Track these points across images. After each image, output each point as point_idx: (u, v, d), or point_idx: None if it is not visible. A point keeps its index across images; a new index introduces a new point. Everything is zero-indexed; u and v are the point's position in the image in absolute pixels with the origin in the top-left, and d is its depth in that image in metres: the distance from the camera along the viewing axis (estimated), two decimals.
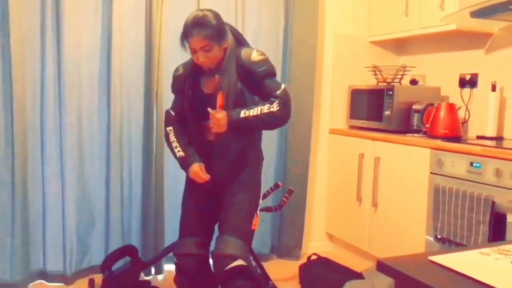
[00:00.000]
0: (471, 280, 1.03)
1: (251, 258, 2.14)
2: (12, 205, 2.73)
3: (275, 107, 2.05)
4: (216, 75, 2.11)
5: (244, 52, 2.11)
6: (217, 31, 2.02)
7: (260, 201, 2.21)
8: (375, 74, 3.37)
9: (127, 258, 2.74)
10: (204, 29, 1.99)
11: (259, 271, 2.18)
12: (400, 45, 3.70)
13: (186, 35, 2.03)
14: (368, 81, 3.51)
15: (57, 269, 2.88)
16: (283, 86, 2.12)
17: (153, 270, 3.06)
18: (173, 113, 2.30)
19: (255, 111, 2.04)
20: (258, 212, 2.16)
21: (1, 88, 2.68)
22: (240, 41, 2.20)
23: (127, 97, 2.97)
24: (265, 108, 2.05)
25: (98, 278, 2.76)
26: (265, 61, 2.11)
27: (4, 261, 2.74)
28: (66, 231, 2.87)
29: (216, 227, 2.29)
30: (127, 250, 2.75)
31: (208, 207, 2.24)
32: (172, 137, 2.26)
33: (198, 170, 2.14)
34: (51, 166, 2.83)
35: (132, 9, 2.92)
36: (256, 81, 2.09)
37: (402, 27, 3.25)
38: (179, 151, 2.22)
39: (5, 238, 2.73)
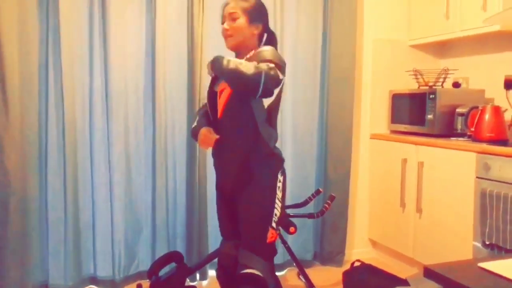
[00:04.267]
0: None
1: (268, 270, 2.02)
2: (65, 213, 2.85)
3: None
4: None
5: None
6: (253, 9, 2.02)
7: (277, 211, 2.02)
8: (416, 78, 3.33)
9: (173, 264, 2.80)
10: (242, 0, 2.01)
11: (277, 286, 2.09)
12: (441, 48, 3.64)
13: (225, 5, 2.06)
14: (409, 85, 3.47)
15: (106, 275, 2.98)
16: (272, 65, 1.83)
17: (198, 276, 3.11)
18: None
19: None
20: (274, 224, 2.01)
21: (53, 101, 2.81)
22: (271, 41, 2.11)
23: (171, 107, 3.05)
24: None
25: (146, 283, 2.83)
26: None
27: (58, 267, 2.86)
28: (115, 238, 2.96)
29: None
30: (173, 256, 2.81)
31: (234, 213, 2.17)
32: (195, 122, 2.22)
33: (205, 132, 2.04)
34: (100, 175, 2.94)
35: (175, 20, 3.00)
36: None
37: (443, 29, 3.20)
38: (194, 125, 2.19)
39: (58, 245, 2.86)
